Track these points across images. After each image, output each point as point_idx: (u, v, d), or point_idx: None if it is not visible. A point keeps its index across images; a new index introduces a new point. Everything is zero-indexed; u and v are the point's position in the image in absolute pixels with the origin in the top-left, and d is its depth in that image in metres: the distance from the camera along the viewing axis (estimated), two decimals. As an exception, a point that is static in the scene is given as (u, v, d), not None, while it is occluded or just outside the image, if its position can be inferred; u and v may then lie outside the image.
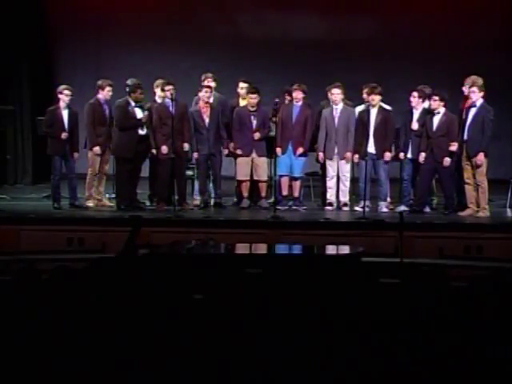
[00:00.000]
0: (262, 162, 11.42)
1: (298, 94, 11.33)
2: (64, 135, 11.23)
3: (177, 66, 14.22)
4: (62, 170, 11.35)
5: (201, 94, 11.36)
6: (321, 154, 11.29)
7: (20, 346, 4.54)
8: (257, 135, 11.35)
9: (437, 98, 10.79)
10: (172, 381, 4.39)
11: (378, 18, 14.72)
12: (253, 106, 11.38)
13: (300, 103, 11.37)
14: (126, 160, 11.11)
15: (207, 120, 11.33)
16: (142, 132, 11.21)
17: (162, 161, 11.19)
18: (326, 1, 14.93)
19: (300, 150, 11.31)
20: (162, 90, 11.25)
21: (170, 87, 11.12)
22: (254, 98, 11.36)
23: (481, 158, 10.52)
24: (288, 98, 11.59)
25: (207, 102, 11.33)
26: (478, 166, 10.53)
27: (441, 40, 14.40)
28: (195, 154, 11.34)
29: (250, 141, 11.37)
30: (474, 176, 10.58)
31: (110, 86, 11.43)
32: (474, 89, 10.60)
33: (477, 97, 10.60)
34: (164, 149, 11.08)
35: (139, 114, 11.22)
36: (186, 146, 11.29)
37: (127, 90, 11.39)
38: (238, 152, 11.38)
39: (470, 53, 14.13)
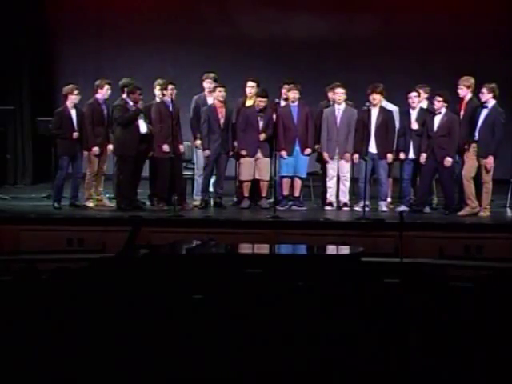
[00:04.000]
0: (266, 163, 11.42)
1: (294, 94, 11.32)
2: (75, 135, 11.23)
3: (177, 66, 14.22)
4: (68, 169, 11.35)
5: (215, 94, 11.34)
6: (326, 154, 11.28)
7: (20, 346, 4.54)
8: (262, 136, 11.34)
9: (440, 98, 10.76)
10: (172, 381, 4.39)
11: (378, 17, 14.72)
12: (259, 106, 11.39)
13: (296, 103, 11.37)
14: (128, 159, 11.09)
15: (222, 120, 11.34)
16: (143, 131, 11.20)
17: (161, 160, 11.19)
18: (327, 0, 14.93)
19: (308, 151, 11.31)
20: (165, 89, 11.23)
21: (172, 87, 11.14)
22: (262, 102, 11.36)
23: (490, 161, 10.53)
24: (285, 91, 11.54)
25: (222, 102, 11.34)
26: (488, 170, 10.54)
27: (441, 40, 14.40)
28: (207, 152, 11.32)
29: (256, 141, 11.37)
30: (479, 175, 10.58)
31: (108, 84, 11.42)
32: (484, 90, 10.59)
33: (485, 98, 10.59)
34: (165, 147, 11.08)
35: (143, 127, 11.20)
36: (182, 148, 11.31)
37: (126, 90, 11.35)
38: (243, 153, 11.37)
39: (470, 53, 14.14)
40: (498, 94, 10.73)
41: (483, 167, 10.58)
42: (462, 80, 10.91)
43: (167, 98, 11.16)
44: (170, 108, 11.09)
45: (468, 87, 10.83)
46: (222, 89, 11.33)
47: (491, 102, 10.61)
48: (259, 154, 11.38)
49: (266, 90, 11.54)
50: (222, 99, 11.32)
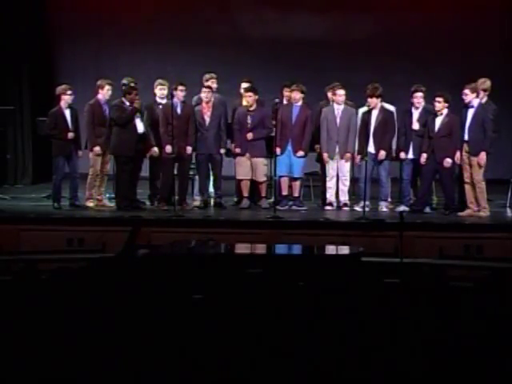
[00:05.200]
0: (259, 163, 11.39)
1: (296, 95, 11.32)
2: (70, 135, 11.23)
3: (177, 66, 14.23)
4: (64, 169, 11.35)
5: (202, 95, 11.35)
6: (325, 155, 11.28)
7: (20, 346, 4.54)
8: (249, 136, 11.31)
9: (441, 99, 10.74)
10: (172, 381, 4.39)
11: (378, 18, 14.72)
12: (251, 105, 11.37)
13: (299, 103, 11.36)
14: (126, 159, 11.09)
15: (208, 120, 11.33)
16: (140, 131, 11.20)
17: (166, 161, 11.18)
18: (326, 0, 14.93)
19: (301, 153, 11.30)
20: (175, 89, 11.21)
21: (182, 88, 11.16)
22: (249, 97, 11.34)
23: (483, 157, 10.53)
24: (286, 93, 11.56)
25: (208, 102, 11.33)
26: (480, 166, 10.53)
27: (441, 40, 14.41)
28: (189, 150, 11.32)
29: (245, 141, 11.36)
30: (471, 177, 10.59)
31: (109, 85, 11.42)
32: (466, 91, 10.60)
33: (469, 98, 10.60)
34: (168, 148, 11.07)
35: (140, 127, 11.20)
36: (189, 149, 11.28)
37: (122, 89, 11.39)
38: (237, 151, 11.38)
39: (471, 53, 14.15)
40: (497, 92, 10.74)
41: (474, 167, 10.55)
42: (479, 82, 10.85)
43: (176, 100, 11.14)
44: (177, 109, 11.10)
45: (485, 90, 10.82)
46: (206, 90, 11.32)
47: (476, 101, 10.62)
48: (248, 155, 11.36)
49: (255, 87, 11.51)
50: (206, 100, 11.31)
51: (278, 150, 11.19)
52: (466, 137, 10.62)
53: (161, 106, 11.34)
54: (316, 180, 12.06)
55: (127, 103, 11.15)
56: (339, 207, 11.33)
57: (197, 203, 11.52)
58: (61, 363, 4.42)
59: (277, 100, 11.28)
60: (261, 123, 11.36)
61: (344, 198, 11.33)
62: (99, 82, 11.47)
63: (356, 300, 5.16)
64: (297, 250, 9.93)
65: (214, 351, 4.48)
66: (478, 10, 14.33)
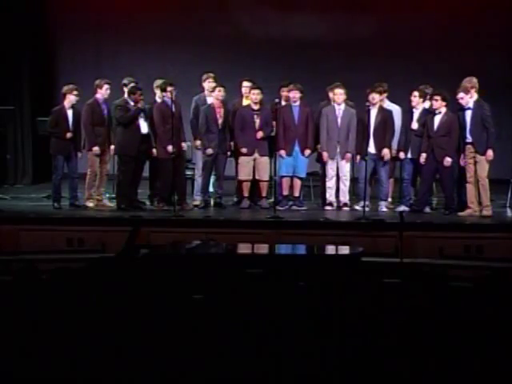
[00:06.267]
0: (264, 162, 11.40)
1: (295, 94, 11.32)
2: (68, 135, 11.22)
3: (177, 66, 14.23)
4: (63, 169, 11.35)
5: (215, 94, 11.32)
6: (325, 154, 11.28)
7: (20, 346, 4.54)
8: (259, 134, 11.32)
9: (439, 97, 10.76)
10: (172, 381, 4.39)
11: (378, 18, 14.72)
12: (256, 103, 11.35)
13: (298, 103, 11.36)
14: (128, 158, 11.08)
15: (220, 120, 11.33)
16: (144, 131, 11.20)
17: (164, 161, 11.18)
18: (326, 1, 14.94)
19: (308, 152, 11.30)
20: (164, 89, 11.23)
21: (171, 88, 11.15)
22: (256, 94, 11.32)
23: (490, 154, 10.55)
24: (284, 93, 11.55)
25: (222, 102, 11.33)
26: (488, 162, 10.54)
27: (441, 40, 14.41)
28: (210, 150, 11.28)
29: (253, 140, 11.36)
30: (475, 174, 10.60)
31: (107, 84, 11.41)
32: (462, 95, 10.60)
33: (466, 101, 10.61)
34: (170, 148, 11.06)
35: (144, 127, 11.20)
36: (185, 146, 11.31)
37: (125, 90, 11.41)
38: (243, 151, 11.36)
39: (470, 53, 14.15)
40: (497, 93, 10.74)
41: (480, 163, 10.56)
42: (464, 81, 10.87)
43: (167, 99, 11.17)
44: (172, 108, 11.11)
45: (472, 88, 10.82)
46: (222, 88, 11.33)
47: (471, 102, 10.63)
48: (256, 154, 11.37)
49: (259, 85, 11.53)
50: (221, 99, 11.32)
51: (283, 152, 11.18)
52: (470, 139, 10.62)
53: (155, 107, 11.33)
54: (316, 180, 12.06)
55: (131, 103, 11.15)
56: (339, 207, 11.33)
57: (197, 203, 11.53)
58: (61, 363, 4.42)
59: (277, 100, 11.28)
60: (266, 122, 11.38)
61: (344, 198, 11.33)
62: (97, 82, 11.46)
63: (356, 300, 5.16)
64: (297, 250, 9.93)
65: (214, 351, 4.48)
66: (478, 10, 14.33)
